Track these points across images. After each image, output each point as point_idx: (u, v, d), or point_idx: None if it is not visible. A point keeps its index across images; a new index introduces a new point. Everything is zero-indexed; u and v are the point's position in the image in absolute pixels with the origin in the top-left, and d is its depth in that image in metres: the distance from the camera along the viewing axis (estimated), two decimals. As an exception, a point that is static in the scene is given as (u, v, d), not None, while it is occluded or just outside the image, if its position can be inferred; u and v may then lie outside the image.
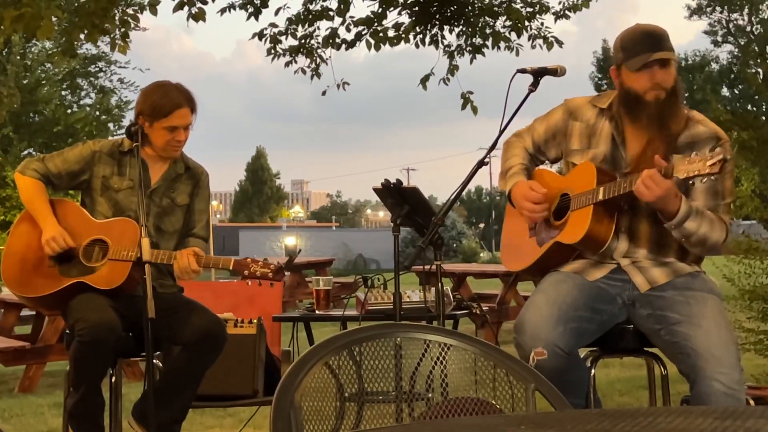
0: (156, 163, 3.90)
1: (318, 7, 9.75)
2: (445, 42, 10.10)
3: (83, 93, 31.44)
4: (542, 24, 10.04)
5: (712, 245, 3.17)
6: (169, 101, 3.76)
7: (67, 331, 3.67)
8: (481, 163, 3.32)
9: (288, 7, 9.75)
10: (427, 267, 3.75)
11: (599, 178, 3.18)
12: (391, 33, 9.77)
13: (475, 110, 9.89)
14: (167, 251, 3.69)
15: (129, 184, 3.83)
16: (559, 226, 3.30)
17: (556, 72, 3.35)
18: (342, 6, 9.61)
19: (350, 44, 9.83)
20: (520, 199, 3.33)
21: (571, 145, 3.36)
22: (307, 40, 9.96)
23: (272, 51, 9.90)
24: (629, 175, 3.16)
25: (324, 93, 10.28)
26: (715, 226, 3.13)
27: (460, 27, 10.02)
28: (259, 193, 73.88)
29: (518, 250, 3.48)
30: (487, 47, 10.06)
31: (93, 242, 3.75)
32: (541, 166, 3.56)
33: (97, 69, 31.25)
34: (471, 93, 9.91)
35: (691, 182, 2.96)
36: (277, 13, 9.70)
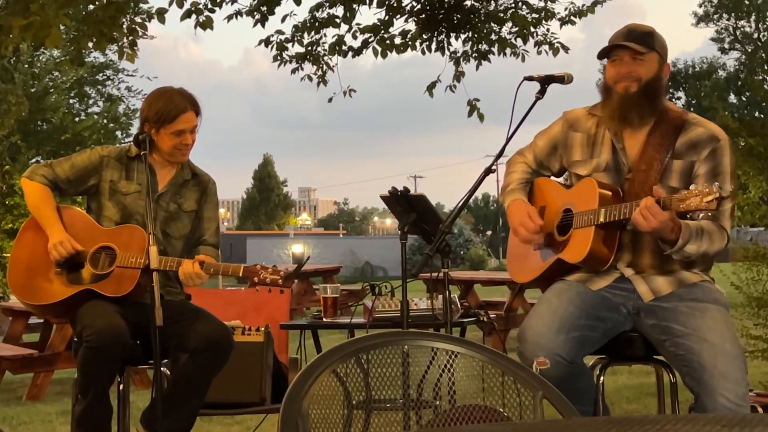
0: (163, 168, 3.91)
1: (324, 15, 9.76)
2: (452, 48, 10.12)
3: (91, 101, 31.50)
4: (548, 30, 10.06)
5: (714, 255, 3.20)
6: (173, 107, 3.78)
7: (75, 339, 3.67)
8: (488, 171, 3.32)
9: (294, 14, 9.78)
10: (434, 274, 3.75)
11: (601, 196, 3.18)
12: (397, 40, 9.78)
13: (481, 117, 9.89)
14: (175, 258, 3.70)
15: (137, 188, 3.84)
16: (562, 242, 3.31)
17: (563, 79, 3.35)
18: (348, 14, 9.62)
19: (357, 51, 9.84)
20: (517, 224, 3.35)
21: (573, 157, 3.38)
22: (314, 47, 9.98)
23: (278, 57, 9.92)
24: (631, 182, 3.17)
25: (330, 100, 10.29)
26: (715, 238, 3.13)
27: (467, 34, 10.03)
28: (267, 200, 73.91)
29: (523, 263, 3.48)
30: (493, 53, 10.07)
31: (100, 249, 3.76)
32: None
33: (104, 77, 31.32)
34: (477, 100, 9.91)
35: (689, 216, 2.96)
36: (283, 20, 9.72)
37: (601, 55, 3.28)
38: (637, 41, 3.20)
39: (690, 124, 3.25)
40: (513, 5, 9.96)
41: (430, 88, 10.02)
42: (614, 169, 3.27)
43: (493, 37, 10.01)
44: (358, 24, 9.71)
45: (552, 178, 3.54)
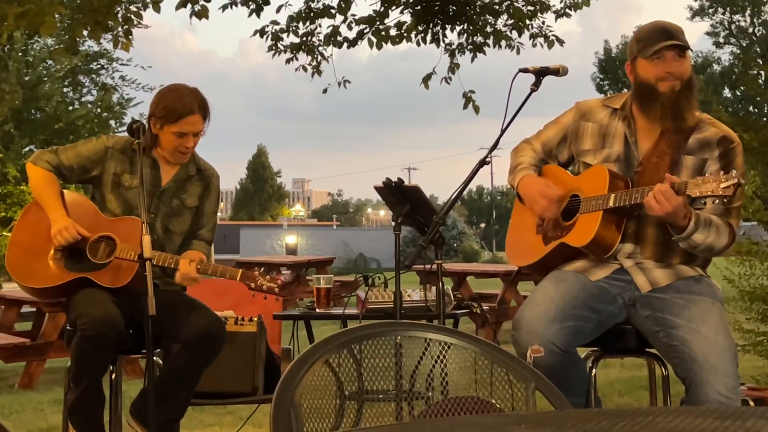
0: (168, 163, 3.88)
1: (319, 5, 9.75)
2: (447, 40, 10.11)
3: (85, 90, 31.40)
4: (543, 23, 10.06)
5: (719, 251, 3.19)
6: (181, 106, 3.72)
7: (69, 327, 3.67)
8: (482, 163, 3.32)
9: (290, 5, 9.76)
10: (427, 266, 3.75)
11: (611, 184, 3.18)
12: (393, 32, 9.77)
13: (476, 109, 9.89)
14: (174, 256, 3.69)
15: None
16: (567, 227, 3.30)
17: (558, 72, 3.35)
18: (343, 4, 9.61)
19: (352, 42, 9.83)
20: (536, 194, 3.31)
21: (583, 146, 3.36)
22: (309, 38, 9.96)
23: (273, 48, 9.90)
24: (640, 174, 3.17)
25: (325, 91, 10.27)
26: (722, 233, 3.13)
27: (462, 25, 10.02)
28: (260, 191, 73.86)
29: (524, 246, 3.47)
30: (489, 46, 10.07)
31: (100, 239, 3.75)
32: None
33: (98, 66, 31.21)
34: (473, 92, 9.92)
35: (703, 202, 2.95)
36: (278, 10, 9.70)
37: (643, 54, 3.18)
38: (679, 39, 3.16)
39: (704, 124, 3.25)
40: (508, -3, 9.96)
41: (426, 79, 10.01)
42: (625, 161, 3.26)
43: (489, 29, 10.00)
44: (353, 15, 9.71)
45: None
